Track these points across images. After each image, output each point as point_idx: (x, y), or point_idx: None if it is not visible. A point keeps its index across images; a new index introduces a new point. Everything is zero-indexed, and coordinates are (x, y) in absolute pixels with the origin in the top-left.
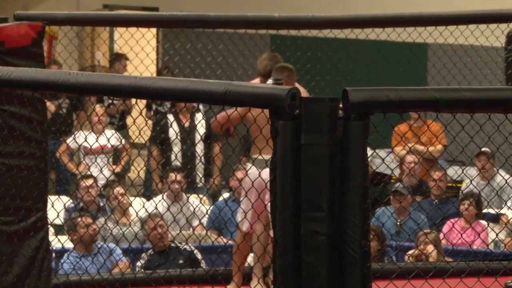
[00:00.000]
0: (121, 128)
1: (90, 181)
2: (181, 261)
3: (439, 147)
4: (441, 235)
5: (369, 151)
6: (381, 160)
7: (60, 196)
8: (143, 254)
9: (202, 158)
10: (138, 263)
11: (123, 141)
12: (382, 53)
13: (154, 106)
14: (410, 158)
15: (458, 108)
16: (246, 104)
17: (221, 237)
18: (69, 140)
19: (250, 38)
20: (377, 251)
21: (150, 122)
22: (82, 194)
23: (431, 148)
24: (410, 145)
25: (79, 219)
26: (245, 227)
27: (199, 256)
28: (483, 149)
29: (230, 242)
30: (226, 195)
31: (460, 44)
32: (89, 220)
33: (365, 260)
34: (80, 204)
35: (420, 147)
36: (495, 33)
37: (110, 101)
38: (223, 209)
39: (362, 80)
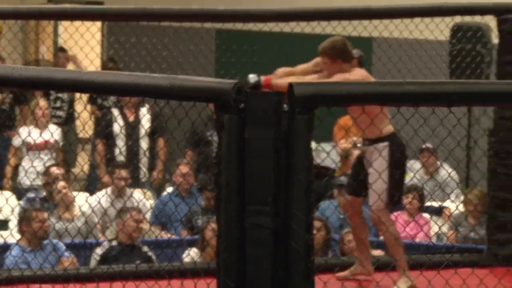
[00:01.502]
0: (68, 122)
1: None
2: (138, 262)
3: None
4: None
5: (313, 145)
6: (327, 154)
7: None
8: (104, 242)
9: (147, 152)
10: (98, 250)
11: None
12: None
13: (99, 101)
14: (356, 152)
15: (403, 102)
16: (191, 98)
17: (165, 231)
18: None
19: (195, 31)
20: (325, 241)
21: (94, 116)
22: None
23: None
24: (354, 138)
25: (33, 213)
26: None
27: (153, 256)
28: (425, 145)
29: (173, 237)
30: (170, 189)
31: (405, 38)
32: (42, 215)
33: (309, 253)
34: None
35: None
36: (440, 26)
37: (56, 96)
38: (167, 204)
39: None
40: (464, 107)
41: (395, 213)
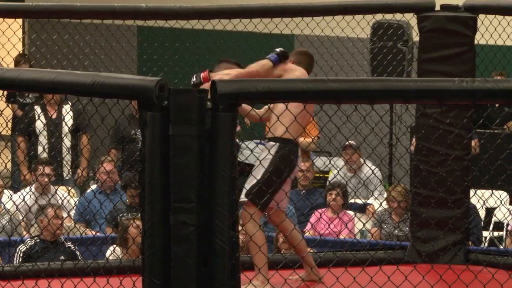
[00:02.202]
0: None
1: None
2: (62, 257)
3: (309, 139)
4: (309, 225)
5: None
6: (250, 151)
7: None
8: (27, 240)
9: (70, 150)
10: (22, 247)
11: None
12: (250, 45)
13: (20, 99)
14: None
15: (326, 99)
16: (114, 96)
17: (89, 229)
18: None
19: (117, 28)
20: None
21: (12, 114)
22: None
23: (303, 139)
24: None
25: None
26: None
27: (77, 252)
28: (348, 142)
29: (98, 234)
30: (94, 186)
31: (326, 35)
32: None
33: (234, 250)
34: None
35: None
36: (361, 24)
37: None
38: (92, 201)
39: None
40: (386, 104)
41: (320, 210)
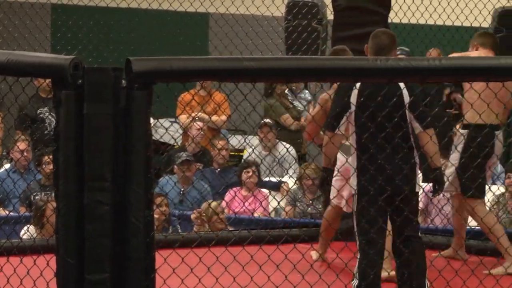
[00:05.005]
0: None
1: None
2: None
3: (223, 117)
4: (224, 204)
5: (152, 121)
6: (165, 130)
7: None
8: None
9: None
10: None
11: None
12: (165, 23)
13: None
14: (196, 125)
15: (241, 77)
16: (28, 74)
17: (2, 208)
18: None
19: (31, 6)
20: (165, 217)
21: None
22: None
23: (215, 118)
24: (195, 113)
25: None
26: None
27: None
28: (264, 120)
29: (11, 214)
30: (7, 165)
31: (241, 13)
32: None
33: (149, 229)
34: None
35: (206, 116)
36: (276, 2)
37: None
38: (5, 180)
39: (146, 50)
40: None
41: (234, 189)
